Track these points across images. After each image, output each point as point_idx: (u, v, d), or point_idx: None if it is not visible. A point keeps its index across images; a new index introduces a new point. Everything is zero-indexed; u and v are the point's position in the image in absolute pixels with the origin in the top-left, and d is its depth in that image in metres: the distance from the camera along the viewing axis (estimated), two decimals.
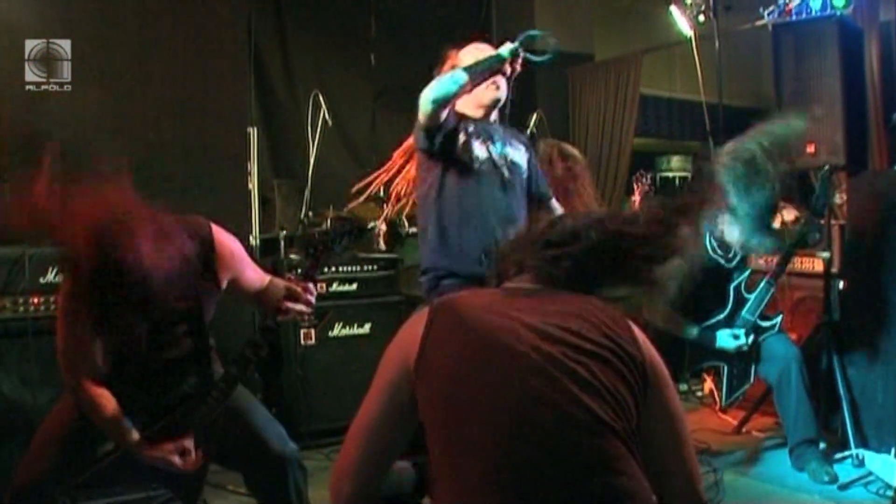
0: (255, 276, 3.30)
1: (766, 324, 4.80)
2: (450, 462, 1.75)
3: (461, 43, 4.22)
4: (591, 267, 2.04)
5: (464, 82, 3.70)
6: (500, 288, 2.09)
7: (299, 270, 3.06)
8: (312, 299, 3.14)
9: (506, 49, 3.82)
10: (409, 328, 1.94)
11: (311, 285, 3.13)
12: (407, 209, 5.43)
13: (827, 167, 4.88)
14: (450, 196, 3.80)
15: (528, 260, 2.08)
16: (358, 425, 1.94)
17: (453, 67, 3.98)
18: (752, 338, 4.73)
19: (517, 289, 2.05)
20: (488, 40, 9.20)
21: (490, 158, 3.90)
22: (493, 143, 3.96)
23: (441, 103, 3.68)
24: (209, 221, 3.14)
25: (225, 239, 3.15)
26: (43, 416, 3.21)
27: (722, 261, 4.73)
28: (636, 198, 7.00)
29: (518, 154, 4.05)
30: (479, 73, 3.79)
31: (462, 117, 3.93)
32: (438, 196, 3.82)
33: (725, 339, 4.70)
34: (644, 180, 6.68)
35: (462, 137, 3.88)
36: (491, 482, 1.68)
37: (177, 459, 2.94)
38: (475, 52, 4.04)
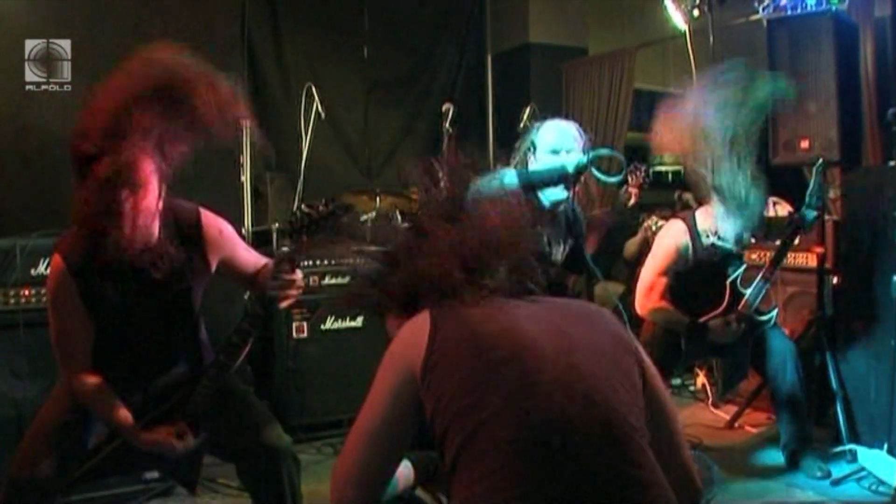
0: (248, 256, 3.28)
1: (761, 318, 4.79)
2: (469, 462, 1.73)
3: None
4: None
5: (512, 188, 3.63)
6: (488, 299, 2.07)
7: (284, 249, 3.03)
8: (300, 282, 3.11)
9: (571, 164, 3.75)
10: (411, 334, 1.92)
11: (297, 272, 3.09)
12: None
13: (821, 161, 4.88)
14: None
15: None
16: (359, 432, 1.92)
17: (532, 145, 4.00)
18: (745, 328, 4.72)
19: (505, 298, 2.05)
20: (481, 36, 9.23)
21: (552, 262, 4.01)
22: (557, 245, 4.05)
23: None
24: (197, 205, 3.13)
25: (212, 220, 3.16)
26: (33, 408, 3.20)
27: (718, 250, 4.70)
28: (633, 190, 7.00)
29: (559, 251, 4.12)
30: (536, 182, 3.78)
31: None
32: None
33: (719, 326, 4.69)
34: (639, 173, 6.67)
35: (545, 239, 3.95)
36: (514, 478, 1.67)
37: (175, 442, 2.93)
38: (556, 134, 4.00)
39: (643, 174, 6.91)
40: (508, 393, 1.74)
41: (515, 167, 4.02)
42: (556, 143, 3.95)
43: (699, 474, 2.05)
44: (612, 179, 3.95)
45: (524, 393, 1.74)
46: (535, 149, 3.99)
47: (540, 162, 3.95)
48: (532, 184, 3.74)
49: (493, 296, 2.04)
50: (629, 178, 7.03)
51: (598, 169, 3.87)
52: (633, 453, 1.75)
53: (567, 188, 3.91)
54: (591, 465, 1.70)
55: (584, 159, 3.74)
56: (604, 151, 4.00)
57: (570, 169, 3.74)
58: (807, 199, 4.80)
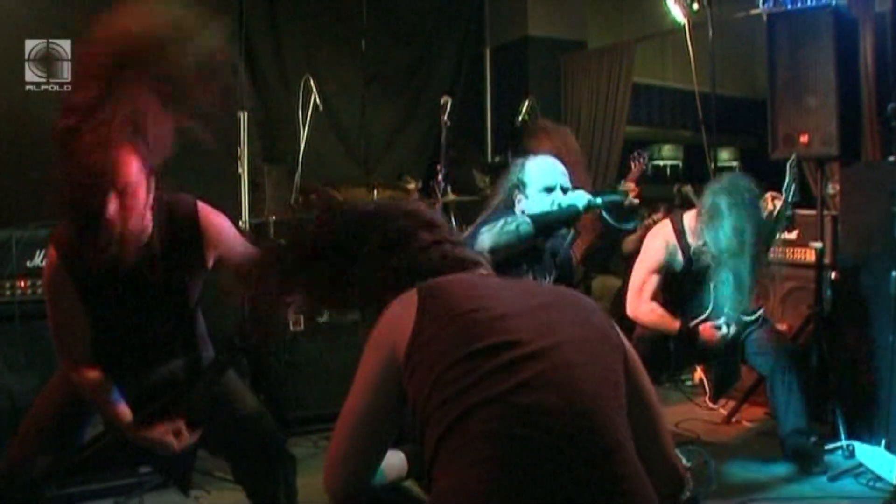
0: (244, 252, 3.24)
1: (748, 318, 4.78)
2: (450, 453, 1.73)
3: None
4: None
5: (529, 236, 3.67)
6: (477, 274, 2.08)
7: None
8: None
9: (583, 202, 3.79)
10: (397, 317, 1.91)
11: None
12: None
13: (794, 156, 4.87)
14: None
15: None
16: (346, 417, 1.93)
17: (518, 185, 3.99)
18: (734, 330, 4.71)
19: (494, 276, 2.06)
20: (480, 28, 9.20)
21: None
22: (542, 279, 4.03)
23: (498, 252, 3.60)
24: (195, 199, 3.10)
25: (212, 216, 3.10)
26: (29, 400, 3.18)
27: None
28: (631, 184, 6.96)
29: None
30: (553, 225, 3.78)
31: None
32: None
33: (708, 331, 4.69)
34: (641, 160, 6.63)
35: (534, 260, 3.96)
36: (494, 472, 1.67)
37: (171, 439, 2.92)
38: (546, 172, 4.01)
39: (645, 161, 6.84)
40: (492, 385, 1.73)
41: (500, 205, 4.03)
42: (548, 180, 3.96)
43: (684, 468, 2.07)
44: (626, 226, 3.96)
45: (508, 386, 1.73)
46: (524, 187, 3.99)
47: (532, 200, 3.95)
48: (549, 228, 3.76)
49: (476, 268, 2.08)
50: (632, 165, 6.99)
51: (609, 213, 3.91)
52: (615, 450, 1.74)
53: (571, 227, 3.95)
54: (573, 460, 1.69)
55: (599, 200, 3.79)
56: (616, 197, 4.02)
57: (582, 208, 3.78)
58: (783, 196, 4.81)
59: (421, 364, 1.81)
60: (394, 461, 2.11)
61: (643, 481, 1.76)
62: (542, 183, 3.96)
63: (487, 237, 3.66)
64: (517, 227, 3.66)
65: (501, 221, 3.75)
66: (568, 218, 3.81)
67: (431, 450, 1.76)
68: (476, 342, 1.79)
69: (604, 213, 3.95)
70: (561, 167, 4.06)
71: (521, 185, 4.00)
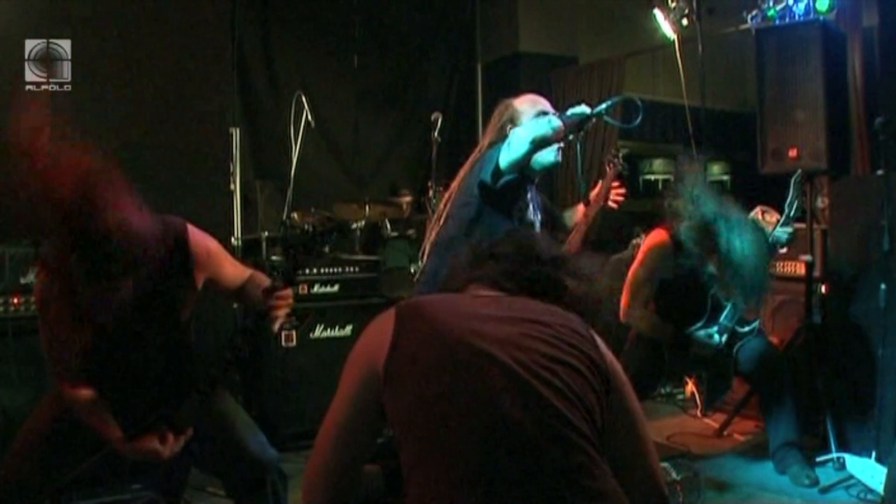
0: (234, 272, 3.27)
1: (743, 329, 4.80)
2: (423, 467, 1.76)
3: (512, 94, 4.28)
4: (538, 288, 2.11)
5: (558, 127, 3.71)
6: (463, 293, 2.10)
7: (279, 272, 3.03)
8: (291, 301, 3.11)
9: (586, 110, 3.86)
10: (376, 332, 1.94)
11: (289, 290, 3.09)
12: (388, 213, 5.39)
13: (799, 172, 4.89)
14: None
15: (479, 271, 2.12)
16: (325, 431, 1.96)
17: (511, 119, 4.07)
18: (725, 338, 4.72)
19: (480, 295, 2.07)
20: (471, 44, 9.23)
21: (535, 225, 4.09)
22: (536, 211, 4.12)
23: (538, 144, 3.69)
24: (185, 221, 3.11)
25: (200, 239, 3.12)
26: (22, 416, 3.18)
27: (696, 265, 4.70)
28: (609, 179, 6.90)
29: (538, 221, 4.19)
30: (571, 123, 3.80)
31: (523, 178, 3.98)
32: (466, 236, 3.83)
33: (702, 336, 4.70)
34: (616, 161, 6.63)
35: (523, 198, 4.03)
36: (466, 488, 1.69)
37: (158, 445, 2.92)
38: (536, 102, 4.14)
39: (621, 162, 6.79)
40: (464, 408, 1.76)
41: (492, 144, 4.04)
42: (540, 107, 4.09)
43: (666, 484, 2.07)
44: (621, 125, 4.05)
45: (480, 408, 1.76)
46: (519, 116, 4.06)
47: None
48: (571, 124, 3.80)
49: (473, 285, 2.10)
50: (606, 168, 6.97)
51: (612, 117, 4.13)
52: (588, 464, 1.76)
53: (559, 150, 4.06)
54: (545, 477, 1.71)
55: (603, 106, 3.88)
56: (630, 96, 4.16)
57: (589, 112, 3.84)
58: (784, 211, 4.83)
59: (398, 383, 1.84)
60: (373, 477, 2.12)
61: (614, 497, 1.78)
62: (536, 110, 4.06)
63: (522, 133, 3.72)
64: (549, 121, 3.72)
65: (535, 120, 3.89)
66: (585, 118, 3.85)
67: (406, 470, 1.79)
68: (449, 366, 1.81)
69: (607, 119, 4.06)
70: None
71: (514, 119, 4.06)
